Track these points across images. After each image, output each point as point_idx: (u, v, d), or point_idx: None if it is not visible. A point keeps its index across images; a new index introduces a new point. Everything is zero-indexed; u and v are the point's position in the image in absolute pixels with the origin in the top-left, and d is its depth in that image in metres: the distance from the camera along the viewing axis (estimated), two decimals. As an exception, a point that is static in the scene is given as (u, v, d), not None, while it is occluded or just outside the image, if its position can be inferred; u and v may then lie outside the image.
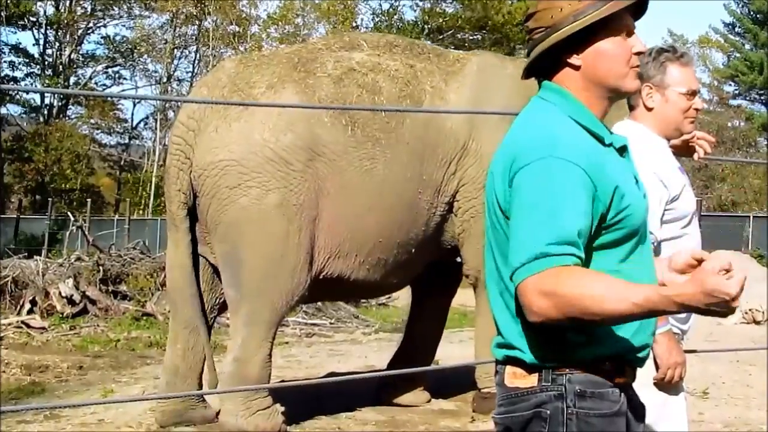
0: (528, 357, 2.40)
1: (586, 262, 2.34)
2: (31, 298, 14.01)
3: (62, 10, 42.05)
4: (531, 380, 2.41)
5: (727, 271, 2.21)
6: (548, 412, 2.39)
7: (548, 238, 2.25)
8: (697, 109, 3.59)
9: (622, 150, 2.53)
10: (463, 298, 10.76)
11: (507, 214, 2.39)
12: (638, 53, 2.51)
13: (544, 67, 2.54)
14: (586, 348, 2.38)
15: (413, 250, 7.58)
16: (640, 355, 2.49)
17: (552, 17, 2.46)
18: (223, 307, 7.52)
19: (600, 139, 2.45)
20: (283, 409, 7.08)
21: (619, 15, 2.46)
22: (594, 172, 2.34)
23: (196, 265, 7.29)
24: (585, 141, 2.41)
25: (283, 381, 8.82)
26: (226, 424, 6.97)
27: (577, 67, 2.48)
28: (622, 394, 2.44)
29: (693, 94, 3.55)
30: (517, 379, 2.44)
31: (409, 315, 8.82)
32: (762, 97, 43.78)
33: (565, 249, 2.25)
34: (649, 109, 3.57)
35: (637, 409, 2.56)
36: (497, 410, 2.51)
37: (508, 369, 2.46)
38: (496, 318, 2.50)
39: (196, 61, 44.57)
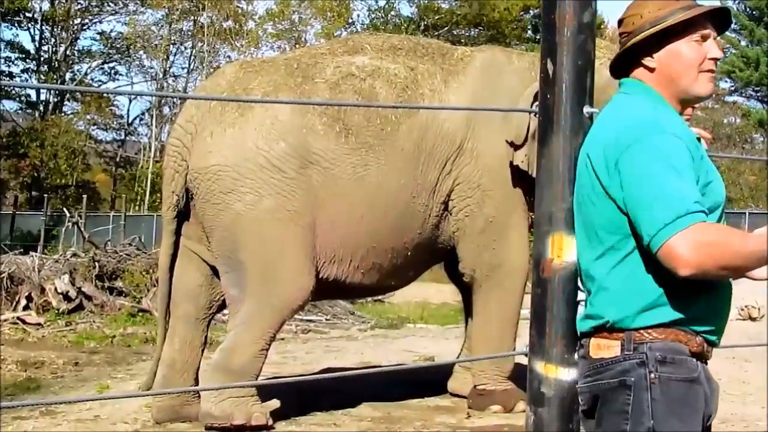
0: (613, 319, 2.59)
1: None
2: (26, 294, 14.01)
3: (58, 6, 41.98)
4: (614, 350, 2.61)
5: None
6: (632, 379, 2.57)
7: (683, 197, 2.45)
8: (693, 107, 3.57)
9: (698, 140, 2.73)
10: (459, 294, 10.75)
11: (613, 195, 2.58)
12: (713, 59, 2.70)
13: (627, 69, 2.82)
14: (670, 313, 2.56)
15: (410, 254, 7.62)
16: (714, 337, 2.66)
17: (634, 23, 2.73)
18: (221, 305, 7.56)
19: None
20: (257, 400, 7.09)
21: (696, 21, 2.69)
22: (691, 146, 2.59)
23: (173, 263, 7.44)
24: (681, 122, 2.67)
25: (278, 377, 8.82)
26: (201, 409, 7.10)
27: (651, 69, 2.73)
28: (700, 364, 2.60)
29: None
30: (602, 350, 2.64)
31: (465, 313, 8.79)
32: (758, 94, 43.80)
33: (699, 206, 2.45)
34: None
35: (713, 388, 2.68)
36: (582, 380, 2.71)
37: (593, 341, 2.67)
38: (591, 292, 2.70)
39: (192, 57, 44.55)
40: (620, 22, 2.81)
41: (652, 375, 2.54)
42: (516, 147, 7.52)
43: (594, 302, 2.68)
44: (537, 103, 7.59)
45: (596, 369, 2.66)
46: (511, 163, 7.58)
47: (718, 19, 2.76)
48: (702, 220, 2.43)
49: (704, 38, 2.71)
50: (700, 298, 2.58)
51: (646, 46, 2.71)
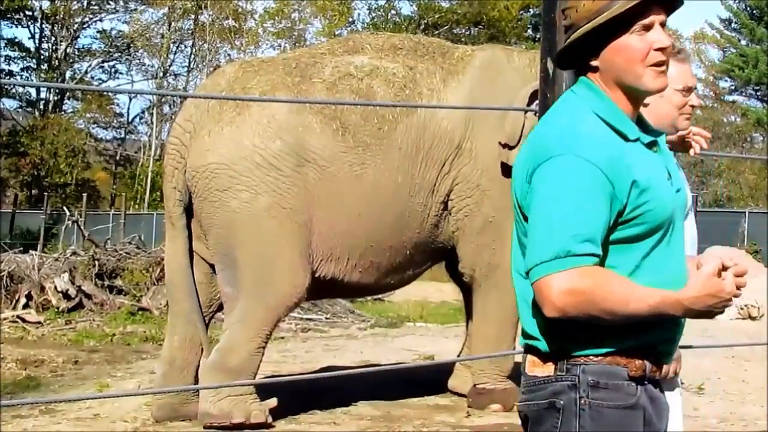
0: (543, 346, 2.45)
1: (609, 257, 2.38)
2: (26, 292, 14.00)
3: (58, 4, 41.96)
4: (548, 369, 2.46)
5: (723, 269, 2.35)
6: (562, 402, 2.42)
7: (571, 236, 2.29)
8: (692, 106, 3.57)
9: (652, 144, 2.50)
10: (459, 293, 10.75)
11: (524, 210, 2.43)
12: (660, 49, 2.42)
13: (576, 63, 2.55)
14: (602, 340, 2.41)
15: (408, 253, 7.62)
16: (661, 350, 2.51)
17: (570, 17, 2.48)
18: (221, 304, 7.56)
19: (623, 136, 2.43)
20: (256, 398, 7.09)
21: (636, 11, 2.40)
22: (611, 170, 2.34)
23: (192, 260, 7.38)
24: (604, 137, 2.40)
25: (277, 375, 8.82)
26: (199, 408, 7.09)
27: (595, 68, 2.48)
28: (639, 388, 2.44)
29: (688, 90, 3.53)
30: (536, 367, 2.49)
31: (465, 312, 8.78)
32: (758, 93, 43.79)
33: (587, 248, 2.30)
34: (644, 105, 3.56)
35: (660, 408, 2.54)
36: (521, 397, 2.57)
37: (529, 357, 2.52)
38: (519, 308, 2.54)
39: (192, 56, 44.53)
40: (562, 11, 2.54)
41: (583, 400, 2.40)
42: (510, 148, 7.51)
43: (526, 323, 2.50)
44: (534, 103, 7.65)
45: (530, 387, 2.51)
46: (504, 164, 7.56)
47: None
48: (586, 263, 2.28)
49: (647, 28, 2.41)
50: (643, 324, 2.41)
51: (586, 44, 2.45)
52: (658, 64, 2.44)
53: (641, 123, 2.53)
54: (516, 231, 2.52)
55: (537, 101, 7.33)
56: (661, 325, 2.45)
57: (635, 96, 2.49)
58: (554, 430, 2.43)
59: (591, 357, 2.41)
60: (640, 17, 2.41)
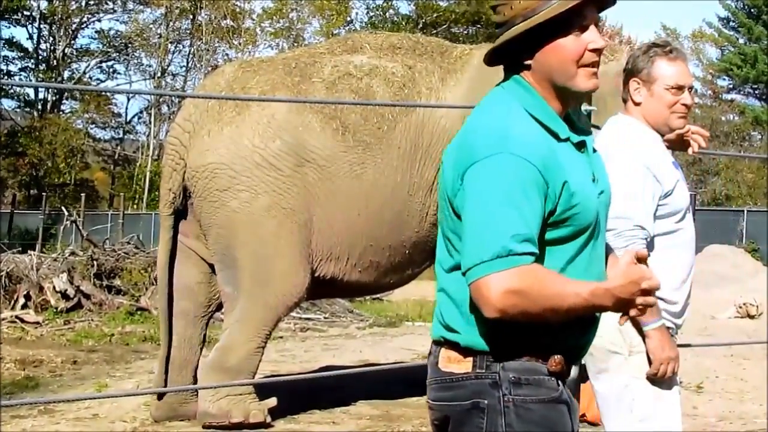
0: (463, 340, 2.41)
1: (539, 258, 2.34)
2: (25, 292, 13.99)
3: (56, 5, 41.95)
4: (465, 366, 2.41)
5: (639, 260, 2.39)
6: (485, 402, 2.38)
7: (511, 235, 2.25)
8: (686, 105, 3.57)
9: (581, 145, 2.49)
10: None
11: (455, 207, 2.38)
12: (594, 50, 2.42)
13: (507, 61, 2.51)
14: (525, 338, 2.38)
15: (407, 252, 7.62)
16: (575, 349, 2.50)
17: (504, 14, 2.44)
18: (221, 304, 7.57)
19: (555, 134, 2.41)
20: (255, 398, 7.09)
21: (572, 11, 2.38)
22: (545, 169, 2.32)
23: (173, 261, 7.46)
24: (537, 136, 2.38)
25: (276, 375, 8.82)
26: (198, 408, 7.11)
27: (528, 66, 2.44)
28: (560, 383, 2.43)
29: (680, 89, 3.53)
30: (452, 363, 2.43)
31: None
32: (756, 91, 43.82)
33: (527, 247, 2.27)
34: (637, 104, 3.57)
35: (575, 408, 2.53)
36: (432, 395, 2.50)
37: (444, 352, 2.46)
38: (439, 300, 2.50)
39: (190, 56, 44.53)
40: (493, 8, 2.50)
41: (506, 398, 2.36)
42: None
43: (445, 314, 2.46)
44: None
45: (446, 384, 2.45)
46: None
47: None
48: (525, 263, 2.25)
49: (583, 28, 2.41)
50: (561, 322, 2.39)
51: (519, 42, 2.41)
52: (592, 65, 2.43)
53: (569, 122, 2.51)
54: (442, 227, 2.49)
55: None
56: (577, 325, 2.43)
57: (566, 95, 2.46)
58: (480, 431, 2.39)
59: (510, 355, 2.38)
60: (576, 18, 2.40)
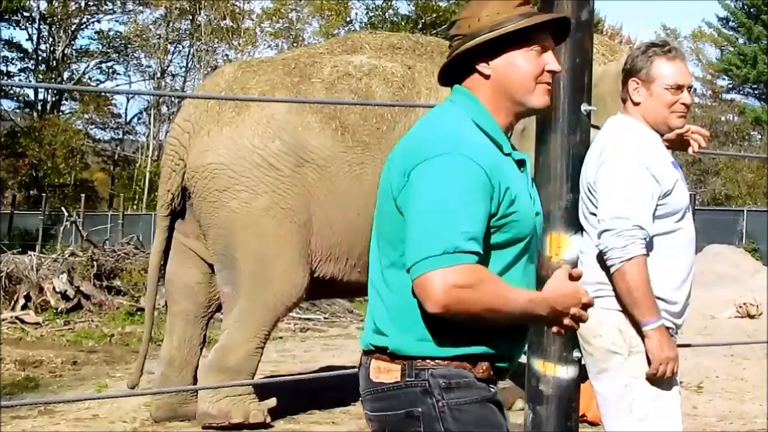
0: (392, 344, 2.43)
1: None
2: (25, 293, 14.00)
3: (56, 5, 41.94)
4: (395, 375, 2.43)
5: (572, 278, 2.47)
6: (419, 409, 2.40)
7: (459, 233, 2.29)
8: (685, 104, 3.56)
9: (521, 164, 2.55)
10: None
11: (399, 205, 2.41)
12: (551, 71, 2.54)
13: (459, 73, 2.59)
14: (453, 344, 2.40)
15: None
16: (504, 359, 2.50)
17: (470, 26, 2.52)
18: (220, 304, 7.57)
19: (499, 147, 2.49)
20: (255, 398, 7.09)
21: (535, 32, 2.51)
22: (492, 173, 2.37)
23: (165, 261, 7.51)
24: (486, 143, 2.46)
25: (277, 375, 8.82)
26: (198, 409, 7.12)
27: (487, 76, 2.52)
28: (491, 386, 2.46)
29: (679, 88, 3.52)
30: (382, 373, 2.45)
31: None
32: (756, 91, 43.81)
33: (473, 246, 2.30)
34: (636, 104, 3.57)
35: (506, 416, 2.54)
36: (368, 405, 2.52)
37: (374, 363, 2.48)
38: (371, 305, 2.52)
39: (190, 56, 44.51)
40: (452, 23, 2.62)
41: (440, 403, 2.38)
42: None
43: (376, 318, 2.48)
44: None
45: (378, 395, 2.46)
46: None
47: (558, 30, 2.61)
48: (471, 262, 2.28)
49: (543, 50, 2.53)
50: (491, 330, 2.42)
51: (482, 52, 2.51)
52: (547, 83, 2.55)
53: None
54: (380, 227, 2.52)
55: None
56: (507, 334, 2.46)
57: (517, 110, 2.55)
58: None
59: (438, 361, 2.40)
60: (539, 38, 2.53)
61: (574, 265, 3.37)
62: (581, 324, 3.34)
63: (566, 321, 2.43)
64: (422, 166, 2.36)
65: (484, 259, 2.36)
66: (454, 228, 2.28)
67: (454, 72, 2.59)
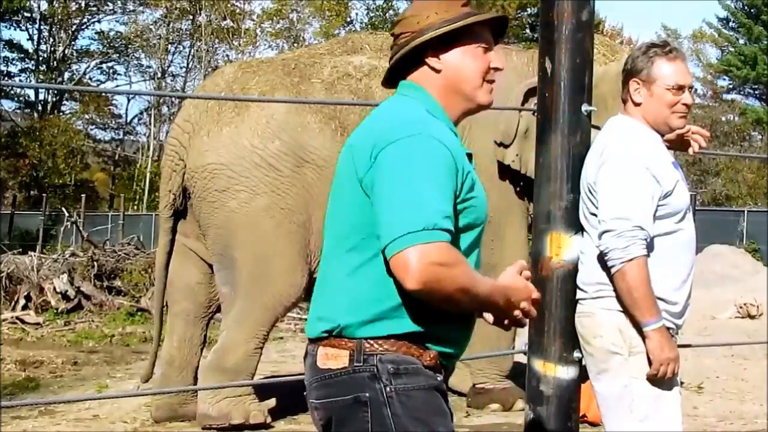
0: (344, 330, 2.42)
1: None
2: (25, 293, 14.01)
3: (56, 6, 41.95)
4: (343, 360, 2.42)
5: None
6: (367, 395, 2.39)
7: (436, 210, 2.31)
8: (686, 105, 3.56)
9: (469, 157, 2.58)
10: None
11: (365, 187, 2.41)
12: (495, 68, 2.62)
13: (406, 70, 2.64)
14: (403, 328, 2.41)
15: None
16: (451, 354, 2.52)
17: (419, 23, 2.58)
18: (220, 305, 7.58)
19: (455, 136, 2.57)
20: (254, 399, 7.09)
21: (481, 30, 2.61)
22: (456, 156, 2.44)
23: (168, 261, 7.50)
24: (447, 130, 2.53)
25: (277, 375, 8.82)
26: (198, 410, 7.12)
27: (437, 71, 2.59)
28: (438, 374, 2.47)
29: (680, 89, 3.52)
30: (330, 359, 2.44)
31: None
32: (756, 92, 43.80)
33: (449, 224, 2.33)
34: (637, 104, 3.57)
35: (450, 407, 2.56)
36: (314, 394, 2.52)
37: (321, 350, 2.47)
38: (321, 292, 2.52)
39: (190, 57, 44.52)
40: (397, 22, 2.66)
41: (388, 388, 2.38)
42: (505, 146, 7.54)
43: (326, 304, 2.48)
44: (528, 101, 7.65)
45: (324, 381, 2.46)
46: (501, 162, 7.60)
47: (498, 30, 2.68)
48: (447, 240, 2.30)
49: (488, 47, 2.62)
50: (440, 314, 2.42)
51: (433, 47, 2.57)
52: (491, 81, 2.64)
53: None
54: (339, 211, 2.51)
55: (532, 98, 7.41)
56: (456, 321, 2.48)
57: (464, 107, 2.63)
58: (366, 425, 2.40)
59: (386, 346, 2.39)
60: (485, 35, 2.62)
61: (574, 265, 3.37)
62: (582, 324, 3.37)
63: (516, 313, 2.45)
64: (391, 147, 2.38)
65: (453, 240, 2.37)
66: (431, 205, 2.30)
67: (399, 71, 2.64)
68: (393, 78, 2.67)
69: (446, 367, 2.52)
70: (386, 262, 2.35)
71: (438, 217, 2.29)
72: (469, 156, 2.57)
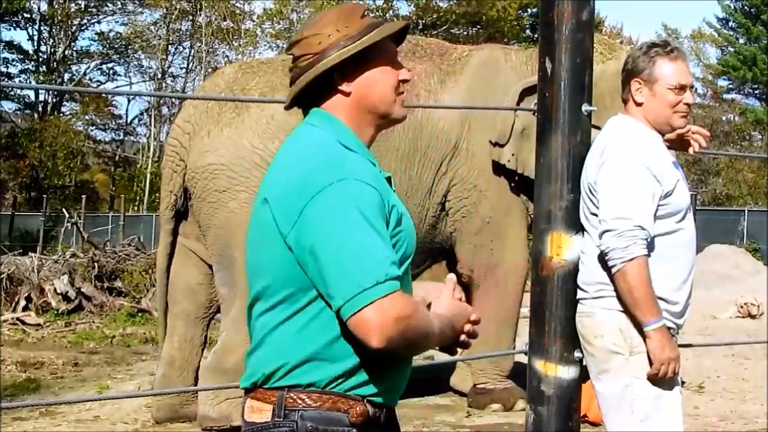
0: (270, 382, 2.33)
1: None
2: (26, 294, 14.02)
3: (56, 7, 41.96)
4: (266, 414, 2.32)
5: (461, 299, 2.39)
6: None
7: (382, 259, 2.18)
8: (688, 104, 3.57)
9: (389, 181, 2.46)
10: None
11: (291, 243, 2.26)
12: (404, 80, 2.47)
13: (312, 95, 2.45)
14: (326, 383, 2.29)
15: None
16: (387, 390, 2.38)
17: (320, 43, 2.39)
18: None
19: (372, 165, 2.42)
20: None
21: (386, 42, 2.44)
22: (382, 193, 2.30)
23: (170, 262, 7.51)
24: (366, 163, 2.38)
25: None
26: (198, 411, 7.13)
27: (347, 94, 2.42)
28: (370, 429, 2.33)
29: (682, 88, 3.53)
30: (254, 413, 2.36)
31: None
32: (756, 92, 43.80)
33: (396, 270, 2.19)
34: (639, 104, 3.57)
35: None
36: None
37: (248, 402, 2.39)
38: (251, 342, 2.41)
39: (190, 57, 44.52)
40: (295, 43, 2.46)
41: None
42: (500, 146, 7.55)
43: (253, 357, 2.38)
44: (524, 100, 7.66)
45: None
46: (495, 161, 7.62)
47: (399, 36, 2.52)
48: (399, 288, 2.17)
49: (394, 58, 2.46)
50: (368, 357, 2.27)
51: (339, 70, 2.38)
52: (402, 94, 2.48)
53: None
54: (258, 263, 2.37)
55: (528, 98, 7.42)
56: (388, 368, 2.34)
57: (378, 123, 2.47)
58: None
59: (310, 402, 2.28)
60: (388, 48, 2.46)
61: (574, 265, 3.37)
62: (582, 324, 3.37)
63: (462, 338, 2.36)
64: (318, 199, 2.22)
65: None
66: (378, 256, 2.17)
67: (304, 95, 2.45)
68: (298, 103, 2.48)
69: (379, 418, 2.37)
70: (317, 314, 2.26)
71: (386, 267, 2.16)
72: (389, 180, 2.45)
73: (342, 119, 2.42)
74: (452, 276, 2.44)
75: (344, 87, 2.41)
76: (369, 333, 2.15)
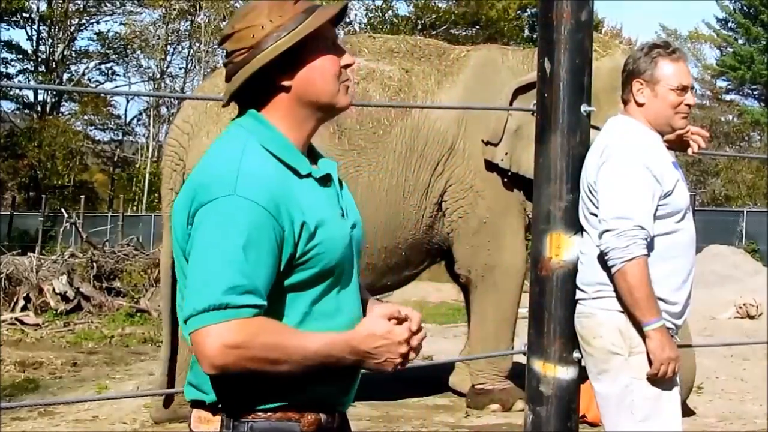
0: (209, 399, 2.24)
1: (279, 304, 2.20)
2: (24, 294, 14.01)
3: (55, 7, 41.96)
4: (214, 426, 2.23)
5: (399, 320, 2.26)
6: None
7: (227, 286, 2.08)
8: (689, 105, 3.58)
9: (326, 179, 2.34)
10: (458, 293, 10.73)
11: (186, 253, 2.20)
12: (346, 66, 2.32)
13: (249, 90, 2.30)
14: (272, 394, 2.21)
15: (403, 254, 7.66)
16: (335, 401, 2.33)
17: (253, 36, 2.24)
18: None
19: (294, 171, 2.26)
20: None
21: (324, 28, 2.27)
22: (280, 211, 2.16)
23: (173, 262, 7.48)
24: (274, 175, 2.21)
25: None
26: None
27: (287, 89, 2.28)
28: None
29: (684, 89, 3.53)
30: (202, 424, 2.26)
31: (467, 312, 8.76)
32: (755, 92, 43.81)
33: (245, 299, 2.09)
34: (640, 105, 3.57)
35: None
36: None
37: (194, 413, 2.28)
38: (189, 357, 2.34)
39: (189, 57, 44.51)
40: (227, 37, 2.29)
41: None
42: (493, 145, 7.56)
43: (193, 367, 2.26)
44: (517, 99, 7.68)
45: None
46: (489, 161, 7.63)
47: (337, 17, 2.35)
48: (245, 316, 2.08)
49: (334, 44, 2.31)
50: (314, 374, 2.21)
51: (276, 64, 2.23)
52: (347, 80, 2.34)
53: (313, 155, 2.39)
54: (179, 275, 2.28)
55: (521, 96, 7.43)
56: (334, 376, 2.26)
57: (320, 116, 2.33)
58: None
59: (260, 413, 2.21)
60: (327, 34, 2.31)
61: (573, 266, 3.36)
62: (582, 324, 3.37)
63: (387, 367, 2.26)
64: (201, 212, 2.14)
65: (277, 306, 2.19)
66: (221, 282, 2.08)
67: (241, 92, 2.30)
68: (236, 99, 2.33)
69: (332, 425, 2.31)
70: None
71: (229, 295, 2.08)
72: (327, 177, 2.34)
73: (280, 117, 2.29)
74: (395, 307, 2.32)
75: (283, 82, 2.27)
76: (199, 357, 2.11)
